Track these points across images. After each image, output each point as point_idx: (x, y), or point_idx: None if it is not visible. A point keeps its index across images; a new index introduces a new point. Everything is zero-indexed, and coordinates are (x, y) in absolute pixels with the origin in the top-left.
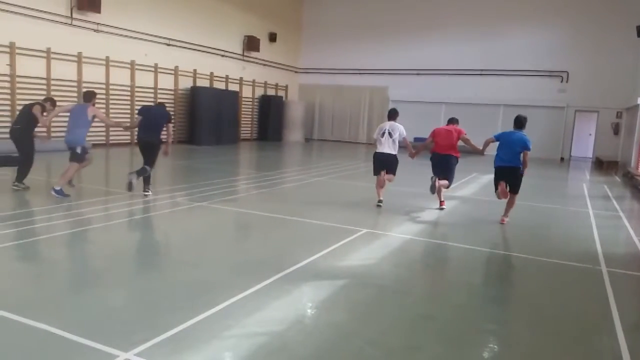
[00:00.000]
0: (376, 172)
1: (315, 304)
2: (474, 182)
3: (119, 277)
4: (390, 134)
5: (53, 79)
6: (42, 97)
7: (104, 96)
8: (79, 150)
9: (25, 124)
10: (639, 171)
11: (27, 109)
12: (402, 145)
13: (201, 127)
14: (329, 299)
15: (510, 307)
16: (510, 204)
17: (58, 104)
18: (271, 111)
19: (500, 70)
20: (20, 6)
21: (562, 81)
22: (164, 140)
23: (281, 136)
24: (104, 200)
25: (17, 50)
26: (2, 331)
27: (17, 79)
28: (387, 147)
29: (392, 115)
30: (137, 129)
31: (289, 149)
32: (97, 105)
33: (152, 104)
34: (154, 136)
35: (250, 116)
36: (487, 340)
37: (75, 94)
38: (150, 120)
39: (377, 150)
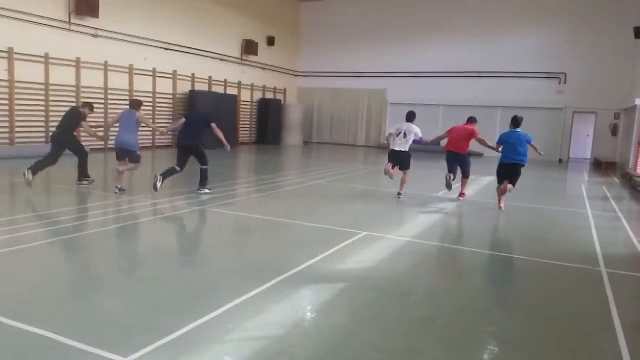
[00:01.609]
0: (392, 164)
1: (315, 307)
2: (472, 184)
3: (118, 280)
4: (405, 135)
5: (51, 84)
6: (41, 103)
7: (102, 101)
8: (138, 152)
9: (62, 128)
10: (637, 172)
11: (71, 114)
12: (418, 142)
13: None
14: (328, 302)
15: (510, 309)
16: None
17: (58, 109)
18: (270, 114)
19: (498, 72)
20: (18, 11)
21: (559, 82)
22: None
23: (280, 139)
24: (102, 205)
25: (15, 56)
26: None
27: (16, 84)
28: (399, 145)
29: (410, 117)
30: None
31: (287, 152)
32: (96, 109)
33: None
34: (193, 139)
35: (248, 120)
36: (487, 342)
37: (74, 100)
38: (189, 126)
39: (391, 148)
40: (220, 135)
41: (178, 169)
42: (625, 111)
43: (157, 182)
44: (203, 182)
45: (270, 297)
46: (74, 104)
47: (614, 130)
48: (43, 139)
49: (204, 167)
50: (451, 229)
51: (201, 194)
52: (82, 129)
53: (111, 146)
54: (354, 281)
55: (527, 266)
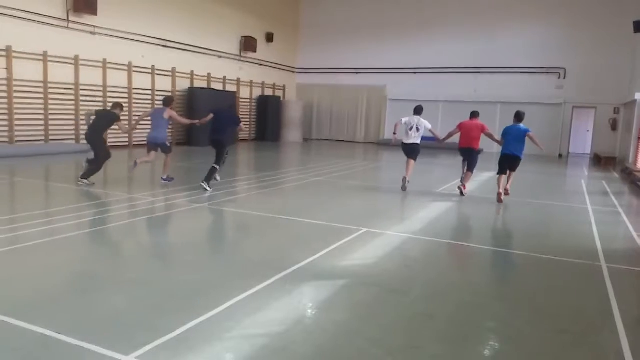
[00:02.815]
0: (406, 156)
1: (316, 304)
2: (472, 180)
3: (119, 279)
4: (417, 129)
5: (50, 83)
6: (40, 101)
7: (101, 99)
8: (168, 143)
9: (94, 128)
10: (637, 167)
11: (104, 117)
12: (430, 136)
13: (199, 128)
14: (329, 298)
15: (511, 305)
16: (509, 178)
17: (59, 107)
18: (269, 111)
19: (497, 68)
20: (16, 9)
21: (559, 78)
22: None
23: (279, 136)
24: (102, 204)
25: (14, 54)
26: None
27: (14, 83)
28: (414, 138)
29: (419, 111)
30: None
31: (287, 149)
32: (96, 107)
33: (224, 106)
34: (223, 137)
35: (248, 117)
36: (488, 339)
37: (73, 97)
38: (220, 123)
39: (404, 142)
40: (242, 132)
41: (218, 167)
42: (625, 106)
43: (217, 177)
44: (209, 178)
45: (271, 295)
46: (72, 102)
47: (614, 125)
48: (42, 138)
49: (216, 166)
50: (451, 225)
51: (203, 187)
52: (119, 129)
53: (116, 144)
54: (354, 278)
55: (528, 262)
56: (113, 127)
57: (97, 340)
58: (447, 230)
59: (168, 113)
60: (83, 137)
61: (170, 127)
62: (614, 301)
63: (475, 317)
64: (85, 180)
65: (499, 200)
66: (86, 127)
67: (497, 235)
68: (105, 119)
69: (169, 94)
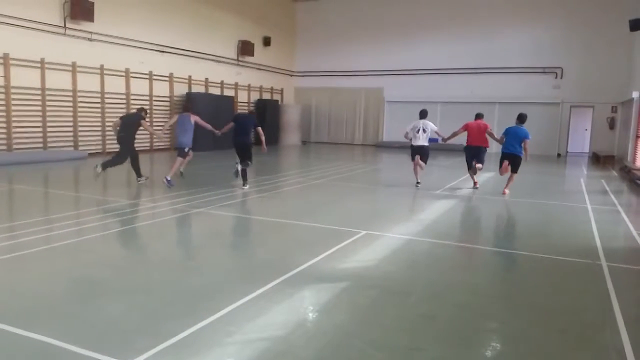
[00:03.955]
0: (413, 158)
1: (317, 306)
2: (471, 181)
3: (120, 285)
4: (424, 131)
5: (47, 89)
6: (38, 108)
7: (99, 105)
8: (186, 149)
9: (126, 129)
10: (635, 165)
11: (133, 117)
12: (435, 137)
13: (197, 133)
14: (330, 301)
15: (512, 305)
16: (510, 179)
17: (57, 114)
18: (267, 115)
19: (494, 68)
20: (13, 17)
21: (556, 77)
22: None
23: (278, 140)
24: (103, 210)
25: (11, 62)
26: None
27: (12, 90)
28: (422, 140)
29: (424, 114)
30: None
31: (286, 152)
32: (93, 113)
33: (245, 111)
34: (246, 138)
35: None
36: (489, 339)
37: (71, 104)
38: (242, 127)
39: (413, 144)
40: (263, 138)
41: (249, 163)
42: (622, 104)
43: (238, 167)
44: (245, 166)
45: (272, 298)
46: (70, 109)
47: (612, 124)
48: (41, 145)
49: (249, 162)
50: (451, 225)
51: (237, 166)
52: (142, 128)
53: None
54: (355, 280)
55: (528, 261)
56: (141, 130)
57: (98, 347)
58: (448, 231)
59: (193, 118)
60: (84, 143)
61: None
62: (615, 300)
63: (477, 318)
64: (99, 169)
65: (503, 171)
66: (113, 134)
67: (497, 235)
68: (132, 120)
69: (187, 100)
